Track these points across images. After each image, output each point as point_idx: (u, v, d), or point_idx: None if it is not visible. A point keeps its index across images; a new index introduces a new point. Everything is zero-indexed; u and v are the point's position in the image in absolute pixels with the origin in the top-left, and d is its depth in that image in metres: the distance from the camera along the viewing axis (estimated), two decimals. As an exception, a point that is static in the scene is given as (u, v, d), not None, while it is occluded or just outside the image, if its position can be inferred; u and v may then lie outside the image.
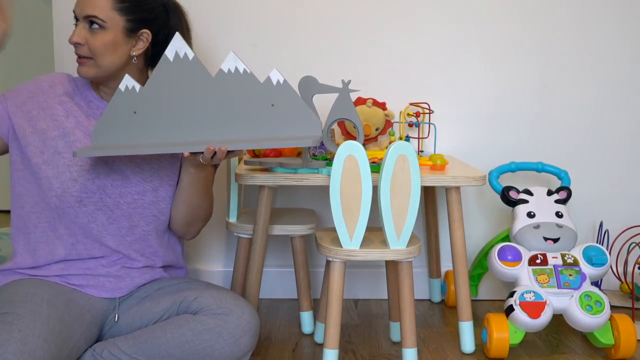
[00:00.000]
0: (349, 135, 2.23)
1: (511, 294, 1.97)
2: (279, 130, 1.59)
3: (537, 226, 2.09)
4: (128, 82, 1.59)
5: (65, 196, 1.64)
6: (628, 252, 2.26)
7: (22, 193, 1.69)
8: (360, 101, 2.24)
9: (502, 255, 2.03)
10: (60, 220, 1.67)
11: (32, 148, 1.66)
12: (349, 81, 1.83)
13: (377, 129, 2.23)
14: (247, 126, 1.60)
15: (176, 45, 1.56)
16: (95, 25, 1.63)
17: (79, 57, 1.65)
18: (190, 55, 1.56)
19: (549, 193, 2.17)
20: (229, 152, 1.60)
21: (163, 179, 1.73)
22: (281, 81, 1.55)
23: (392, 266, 2.02)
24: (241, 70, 1.54)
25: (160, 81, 1.58)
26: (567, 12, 2.41)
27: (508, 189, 2.18)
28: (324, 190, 2.37)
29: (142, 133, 1.61)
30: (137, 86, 1.59)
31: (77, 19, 1.66)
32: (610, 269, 2.23)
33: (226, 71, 1.56)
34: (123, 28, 1.65)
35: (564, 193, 2.18)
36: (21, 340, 1.39)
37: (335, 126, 2.28)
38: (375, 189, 1.76)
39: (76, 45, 1.64)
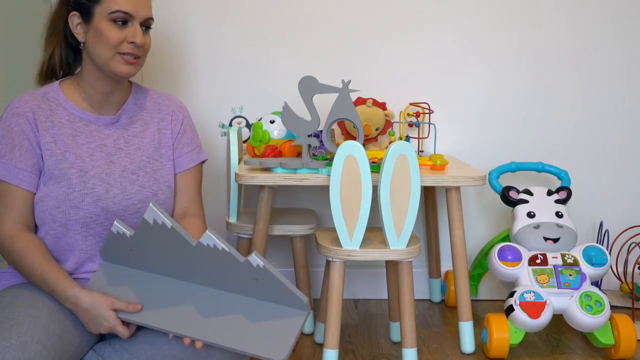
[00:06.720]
0: (349, 135, 2.23)
1: (511, 294, 1.97)
2: (266, 299, 1.49)
3: (537, 226, 2.09)
4: (118, 228, 1.53)
5: (70, 224, 1.61)
6: (628, 252, 2.26)
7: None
8: (360, 101, 2.23)
9: (502, 255, 2.03)
10: (69, 246, 1.64)
11: (39, 182, 1.62)
12: (349, 81, 1.83)
13: (377, 129, 2.23)
14: (233, 290, 1.52)
15: (152, 214, 1.46)
16: (147, 26, 1.64)
17: (135, 56, 1.61)
18: (169, 225, 1.46)
19: (549, 193, 2.17)
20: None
21: (160, 182, 1.72)
22: (261, 266, 1.42)
23: (392, 266, 2.02)
24: (220, 249, 1.44)
25: (143, 239, 1.53)
26: (567, 12, 2.41)
27: (508, 189, 2.18)
28: (324, 190, 2.37)
29: (142, 266, 1.60)
30: (128, 232, 1.54)
31: (123, 20, 1.59)
32: (610, 269, 2.23)
33: (205, 245, 1.46)
34: None
35: (564, 193, 2.18)
36: (20, 347, 1.39)
37: (335, 126, 2.28)
38: (375, 189, 1.76)
39: (140, 46, 1.61)
